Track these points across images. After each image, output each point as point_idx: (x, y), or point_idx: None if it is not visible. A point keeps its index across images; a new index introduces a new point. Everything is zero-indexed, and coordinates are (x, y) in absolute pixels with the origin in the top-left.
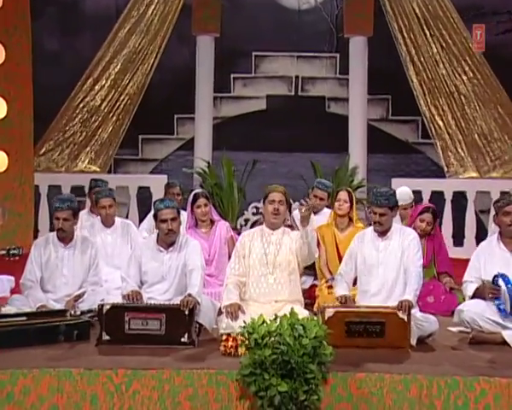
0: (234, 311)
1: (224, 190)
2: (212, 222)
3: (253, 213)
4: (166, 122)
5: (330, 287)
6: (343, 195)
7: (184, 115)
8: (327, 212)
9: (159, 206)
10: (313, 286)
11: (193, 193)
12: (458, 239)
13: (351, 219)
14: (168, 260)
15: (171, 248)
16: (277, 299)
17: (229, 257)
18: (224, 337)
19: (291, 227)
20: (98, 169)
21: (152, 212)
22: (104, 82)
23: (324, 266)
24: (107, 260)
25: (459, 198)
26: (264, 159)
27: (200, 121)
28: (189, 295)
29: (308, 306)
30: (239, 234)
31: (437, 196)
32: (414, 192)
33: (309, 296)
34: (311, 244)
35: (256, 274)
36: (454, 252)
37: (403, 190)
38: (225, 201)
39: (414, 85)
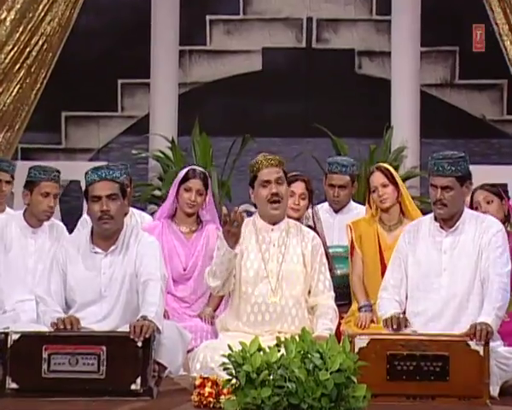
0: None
1: None
2: (199, 222)
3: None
4: (105, 91)
5: (372, 321)
6: (378, 178)
7: (134, 81)
8: (357, 209)
9: (91, 176)
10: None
11: (186, 169)
12: None
13: (403, 212)
14: (108, 266)
15: (112, 248)
16: (282, 329)
17: None
18: (199, 381)
19: (312, 229)
20: None
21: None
22: (5, 15)
23: (359, 284)
24: (25, 280)
25: None
26: (259, 148)
27: (159, 90)
28: (144, 318)
29: None
30: None
31: None
32: (498, 185)
33: None
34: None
35: (250, 292)
36: None
37: None
38: None
39: (495, 16)
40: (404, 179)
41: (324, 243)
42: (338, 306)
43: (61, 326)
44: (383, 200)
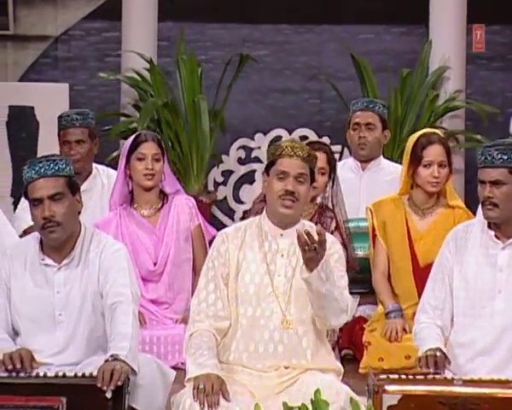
0: (211, 395)
1: (181, 116)
2: (164, 197)
3: (240, 160)
4: None
5: (403, 331)
6: (438, 153)
7: None
8: (390, 167)
9: (28, 173)
10: (359, 320)
11: (135, 134)
12: None
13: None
14: (63, 283)
15: (65, 261)
16: (290, 364)
17: (195, 269)
18: None
19: (326, 211)
20: None
21: None
22: None
23: (384, 284)
24: None
25: None
26: (261, 38)
27: None
28: (114, 358)
29: (348, 363)
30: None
31: None
32: None
33: (348, 341)
34: (328, 302)
35: (250, 314)
36: None
37: None
38: (184, 135)
39: None
40: (447, 112)
41: (345, 220)
42: (360, 294)
43: (9, 366)
44: (436, 183)
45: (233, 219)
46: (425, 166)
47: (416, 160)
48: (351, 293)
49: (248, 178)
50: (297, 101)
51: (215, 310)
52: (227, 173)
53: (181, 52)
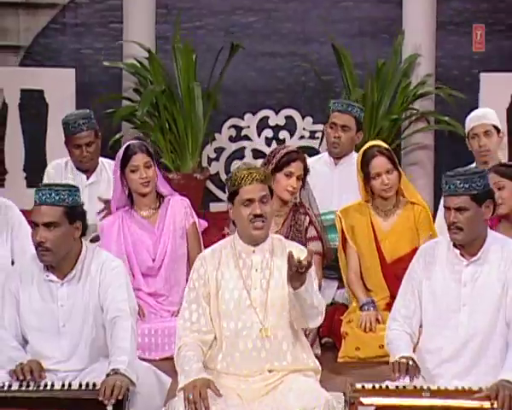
0: (199, 402)
1: (177, 101)
2: (160, 198)
3: (231, 138)
4: None
5: (377, 321)
6: (382, 163)
7: None
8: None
9: (35, 197)
10: (338, 309)
11: (124, 146)
12: None
13: (397, 193)
14: (66, 297)
15: (67, 277)
16: (273, 367)
17: (190, 263)
18: None
19: (300, 209)
20: None
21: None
22: None
23: (356, 282)
24: None
25: None
26: (251, 5)
27: None
28: (115, 372)
29: (328, 351)
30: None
31: None
32: None
33: (328, 330)
34: (309, 310)
35: (232, 327)
36: None
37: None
38: (180, 119)
39: None
40: (417, 98)
41: (317, 214)
42: (337, 279)
43: (20, 377)
44: (389, 189)
45: (224, 192)
46: (374, 177)
47: (366, 175)
48: (329, 278)
49: (238, 154)
50: (283, 63)
51: (199, 326)
52: (219, 150)
53: (177, 40)
